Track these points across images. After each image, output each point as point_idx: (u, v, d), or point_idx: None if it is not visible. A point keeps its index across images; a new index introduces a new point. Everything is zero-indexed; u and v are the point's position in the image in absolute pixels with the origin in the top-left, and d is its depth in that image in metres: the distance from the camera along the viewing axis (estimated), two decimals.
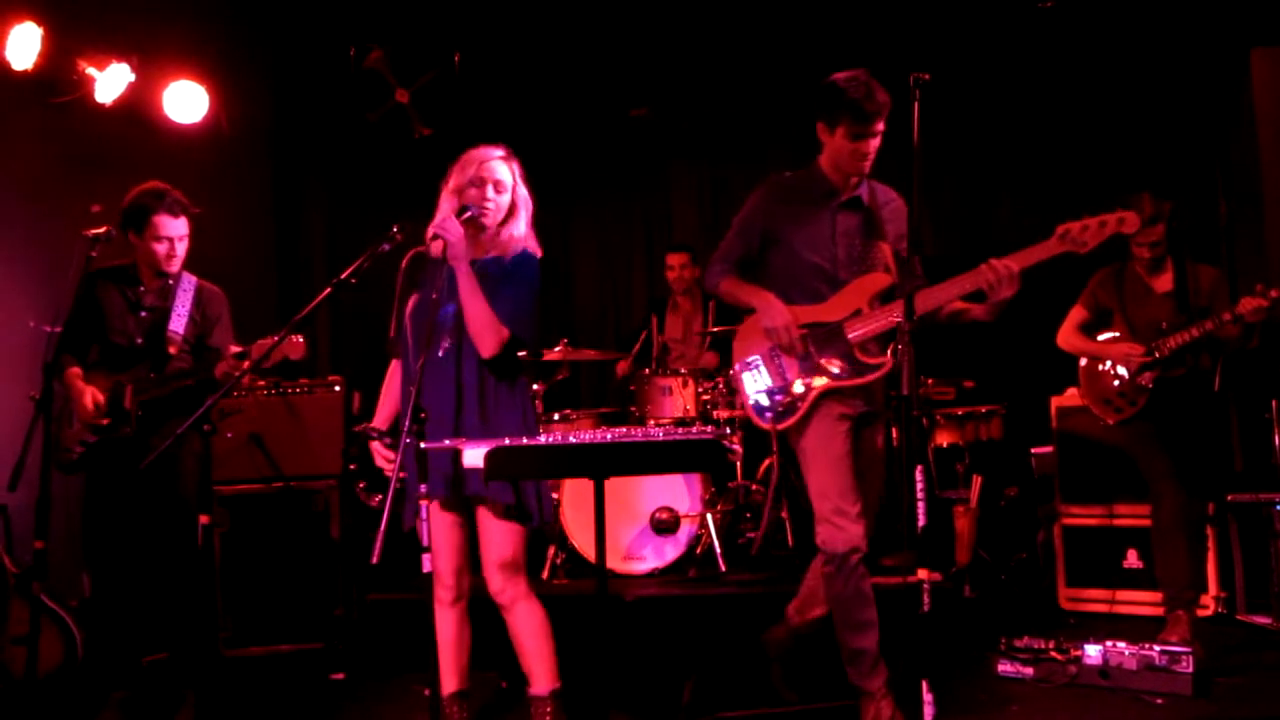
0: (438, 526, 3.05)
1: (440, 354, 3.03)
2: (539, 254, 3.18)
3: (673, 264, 6.07)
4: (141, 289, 3.89)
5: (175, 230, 3.80)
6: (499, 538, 3.03)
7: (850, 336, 3.17)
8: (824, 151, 3.26)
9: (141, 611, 3.80)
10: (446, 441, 2.90)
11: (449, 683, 3.14)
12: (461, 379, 3.02)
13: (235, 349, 3.59)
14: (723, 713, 3.43)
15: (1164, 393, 4.17)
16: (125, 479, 3.69)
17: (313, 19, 6.08)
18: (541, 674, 3.06)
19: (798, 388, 3.20)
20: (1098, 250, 2.99)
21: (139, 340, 3.86)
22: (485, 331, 2.98)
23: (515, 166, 3.15)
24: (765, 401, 3.28)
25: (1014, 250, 3.00)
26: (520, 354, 3.12)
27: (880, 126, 3.13)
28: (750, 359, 3.34)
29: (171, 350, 3.83)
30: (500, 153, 3.14)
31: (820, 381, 3.17)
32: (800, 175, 3.33)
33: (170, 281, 3.90)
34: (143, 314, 3.88)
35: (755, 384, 3.31)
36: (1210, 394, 4.28)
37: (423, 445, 2.69)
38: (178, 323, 3.86)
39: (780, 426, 3.24)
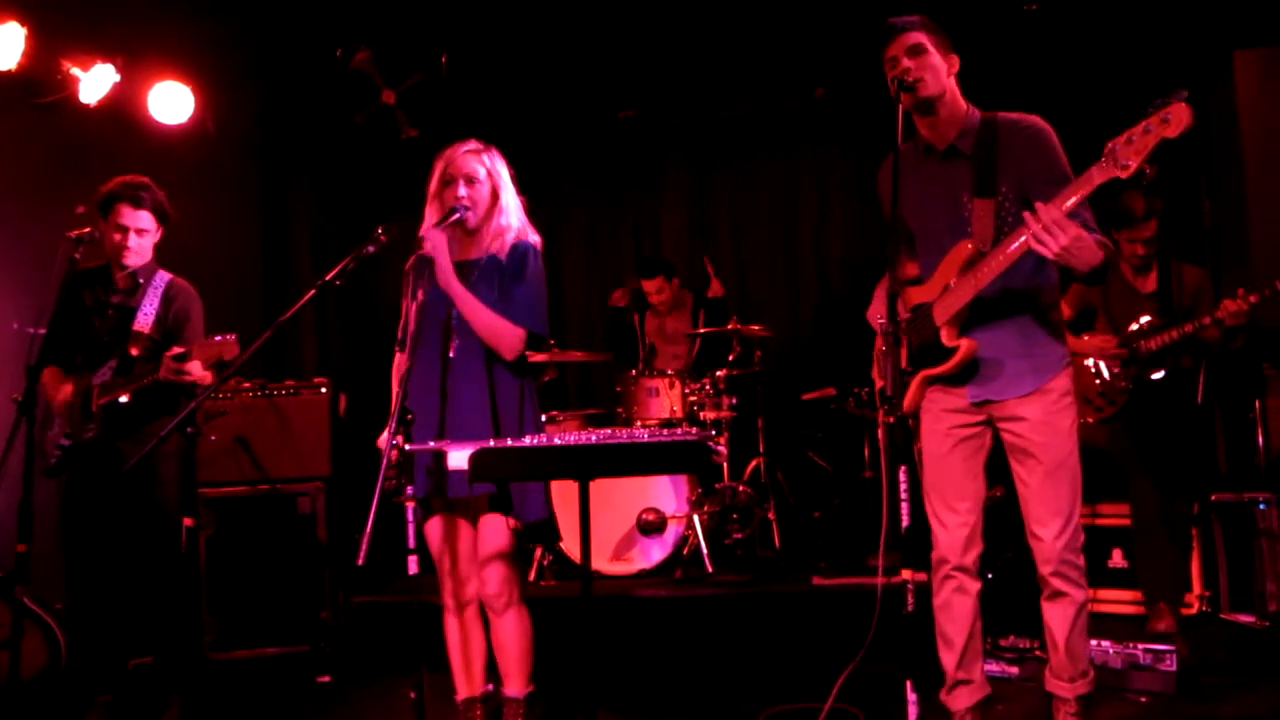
0: (447, 530, 3.06)
1: (452, 354, 3.02)
2: (537, 239, 3.14)
3: (649, 289, 5.93)
4: (112, 287, 3.82)
5: (135, 221, 3.74)
6: (494, 543, 3.03)
7: (937, 318, 2.91)
8: None
9: (126, 615, 3.76)
10: (431, 444, 2.89)
11: (463, 688, 3.16)
12: (464, 379, 3.01)
13: (175, 350, 3.50)
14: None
15: (1143, 392, 4.19)
16: (102, 483, 3.65)
17: (299, 19, 6.05)
18: (519, 678, 3.10)
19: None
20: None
21: (105, 339, 3.78)
22: (498, 335, 2.98)
23: (489, 157, 3.10)
24: (884, 391, 3.14)
25: None
26: (537, 356, 3.09)
27: (908, 39, 2.82)
28: (882, 352, 3.22)
29: (134, 351, 3.73)
30: (468, 147, 3.10)
31: (918, 370, 2.97)
32: (908, 144, 2.98)
33: (140, 279, 3.82)
34: (109, 312, 3.80)
35: (882, 377, 3.23)
36: (1190, 393, 4.30)
37: (408, 447, 2.69)
38: (143, 321, 3.76)
39: (888, 418, 2.95)
